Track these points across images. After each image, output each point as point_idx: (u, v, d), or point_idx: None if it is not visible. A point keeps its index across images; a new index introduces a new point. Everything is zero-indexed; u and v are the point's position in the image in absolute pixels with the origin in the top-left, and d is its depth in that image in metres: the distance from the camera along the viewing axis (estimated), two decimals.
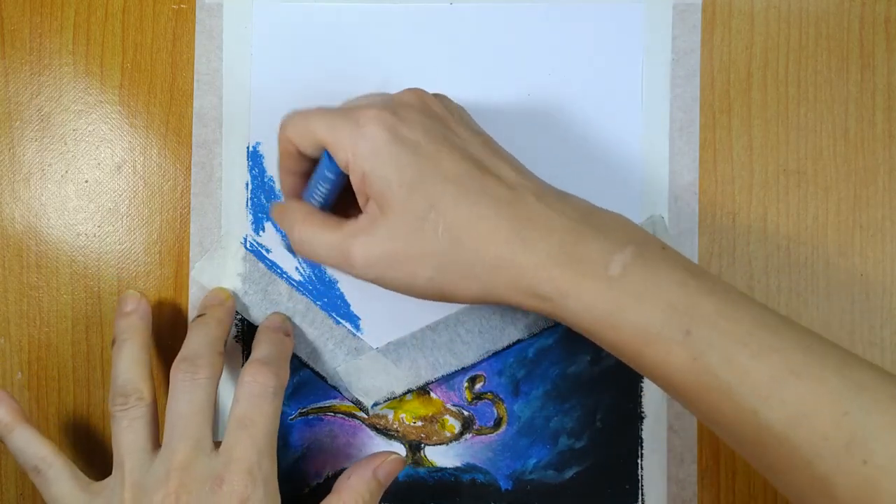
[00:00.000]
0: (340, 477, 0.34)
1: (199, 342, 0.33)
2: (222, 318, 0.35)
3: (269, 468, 0.31)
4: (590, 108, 0.37)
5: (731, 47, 0.37)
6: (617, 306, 0.27)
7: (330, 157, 0.30)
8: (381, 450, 0.36)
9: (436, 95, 0.32)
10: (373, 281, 0.29)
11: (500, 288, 0.28)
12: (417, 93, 0.31)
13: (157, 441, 0.32)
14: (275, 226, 0.37)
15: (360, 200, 0.30)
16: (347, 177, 0.30)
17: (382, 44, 0.37)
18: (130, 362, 0.33)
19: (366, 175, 0.28)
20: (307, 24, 0.37)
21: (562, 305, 0.28)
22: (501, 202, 0.28)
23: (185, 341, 0.33)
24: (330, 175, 0.30)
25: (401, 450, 0.37)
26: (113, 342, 0.34)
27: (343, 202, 0.32)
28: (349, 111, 0.29)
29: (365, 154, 0.28)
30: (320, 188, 0.31)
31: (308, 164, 0.32)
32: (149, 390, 0.33)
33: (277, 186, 0.37)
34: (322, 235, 0.30)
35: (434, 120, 0.30)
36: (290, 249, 0.37)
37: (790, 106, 0.37)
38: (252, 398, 0.31)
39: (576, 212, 0.29)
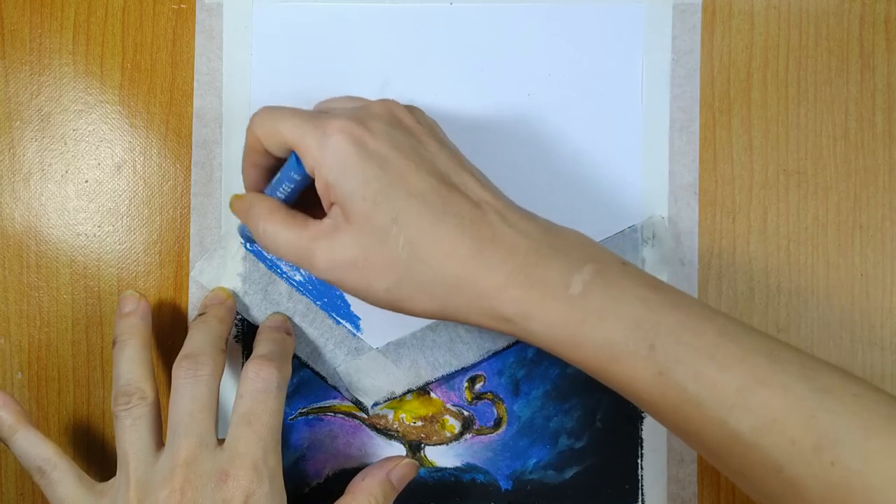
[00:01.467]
0: (354, 479, 0.34)
1: (201, 340, 0.33)
2: (223, 317, 0.35)
3: (275, 463, 0.31)
4: (590, 109, 0.37)
5: (731, 47, 0.37)
6: (579, 325, 0.27)
7: (298, 161, 0.30)
8: (383, 450, 0.37)
9: (408, 107, 0.32)
10: (332, 283, 0.30)
11: (460, 307, 0.28)
12: (388, 104, 0.31)
13: (160, 440, 0.32)
14: (241, 231, 0.37)
15: (325, 204, 0.30)
16: (310, 179, 0.30)
17: (382, 44, 0.37)
18: (132, 362, 0.33)
19: (330, 185, 0.29)
20: (307, 24, 0.37)
21: (524, 327, 0.28)
22: (465, 220, 0.28)
23: (187, 339, 0.33)
24: (296, 176, 0.31)
25: (401, 450, 0.37)
26: (114, 343, 0.34)
27: (305, 197, 0.32)
28: (318, 119, 0.29)
29: (330, 165, 0.28)
30: (285, 186, 0.31)
31: (273, 161, 0.32)
32: (151, 389, 0.33)
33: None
34: (286, 233, 0.30)
35: (403, 132, 0.30)
36: (246, 238, 0.37)
37: (790, 106, 0.37)
38: (256, 394, 0.32)
39: (536, 231, 0.29)
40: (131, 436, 0.31)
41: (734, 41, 0.37)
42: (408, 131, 0.30)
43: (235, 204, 0.33)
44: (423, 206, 0.28)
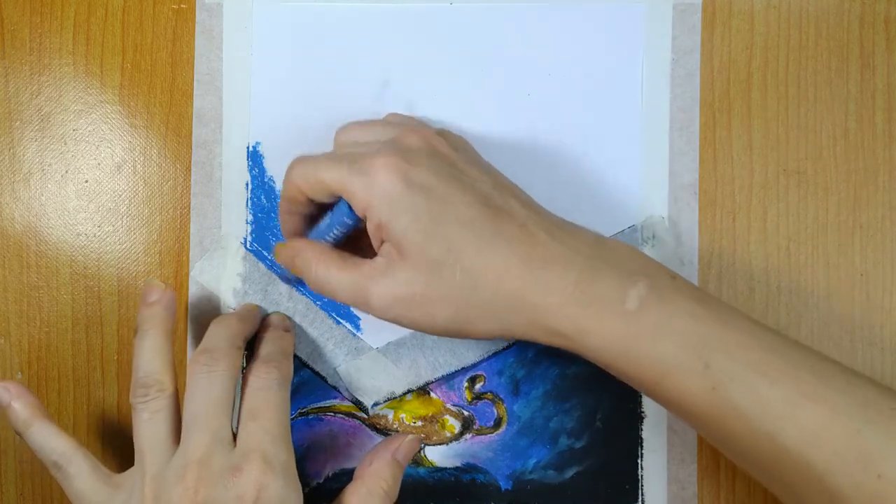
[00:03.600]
0: (361, 463, 0.34)
1: (219, 336, 0.33)
2: (244, 316, 0.35)
3: (287, 457, 0.31)
4: (590, 108, 0.37)
5: (731, 47, 0.37)
6: (635, 341, 0.28)
7: (349, 207, 0.30)
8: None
9: (439, 133, 0.32)
10: (391, 320, 0.30)
11: (519, 325, 0.29)
12: (422, 133, 0.31)
13: (177, 433, 0.32)
14: (275, 266, 0.37)
15: (375, 244, 0.30)
16: (360, 222, 0.31)
17: (382, 44, 0.37)
18: (152, 353, 0.33)
19: (382, 224, 0.29)
20: (307, 24, 0.37)
21: (581, 343, 0.29)
22: (514, 242, 0.29)
23: (206, 336, 0.33)
24: (349, 222, 0.31)
25: None
26: (135, 332, 0.33)
27: (349, 240, 0.33)
28: (360, 161, 0.30)
29: (380, 204, 0.29)
30: (335, 231, 0.32)
31: (313, 208, 0.32)
32: (170, 381, 0.32)
33: (278, 186, 0.37)
34: (340, 275, 0.30)
35: (442, 161, 0.30)
36: (287, 280, 0.37)
37: (790, 106, 0.37)
38: (258, 392, 0.32)
39: (587, 247, 0.29)
40: (149, 430, 0.31)
41: (734, 41, 0.37)
42: (447, 160, 0.31)
43: (282, 252, 0.33)
44: (472, 233, 0.29)
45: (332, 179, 0.30)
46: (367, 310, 0.30)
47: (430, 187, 0.29)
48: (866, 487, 0.26)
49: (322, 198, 0.31)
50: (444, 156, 0.31)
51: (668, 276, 0.29)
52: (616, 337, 0.28)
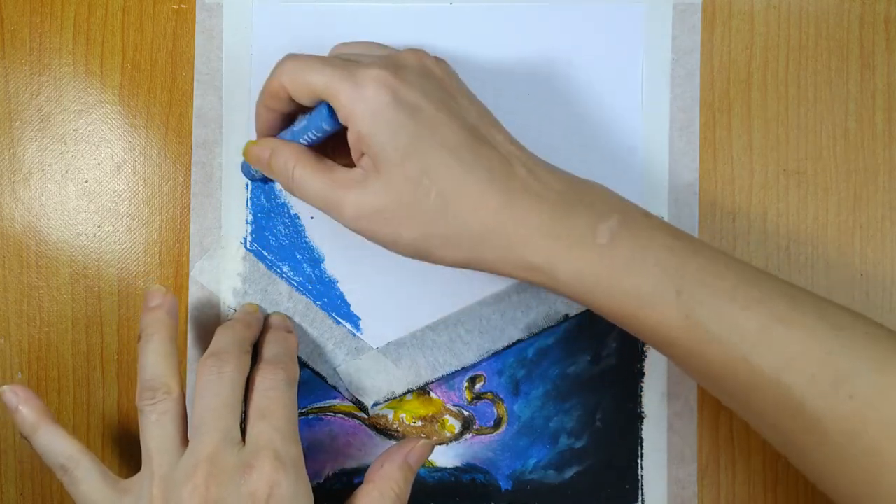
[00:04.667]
0: (372, 466, 0.34)
1: (226, 340, 0.33)
2: (250, 323, 0.35)
3: (297, 454, 0.31)
4: (590, 108, 0.37)
5: (731, 47, 0.37)
6: (608, 273, 0.28)
7: (331, 112, 0.30)
8: (382, 450, 0.37)
9: (436, 58, 0.32)
10: (358, 232, 0.30)
11: (488, 257, 0.29)
12: (419, 54, 0.31)
13: (184, 435, 0.32)
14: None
15: (354, 155, 0.30)
16: (338, 128, 0.30)
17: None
18: (158, 356, 0.33)
19: (362, 135, 0.29)
20: (307, 24, 0.37)
21: (552, 275, 0.29)
22: (494, 173, 0.29)
23: (213, 340, 0.33)
24: (326, 127, 0.31)
25: None
26: (139, 337, 0.34)
27: (324, 146, 0.32)
28: (350, 69, 0.29)
29: (363, 115, 0.29)
30: (311, 134, 0.31)
31: (292, 107, 0.32)
32: (176, 384, 0.32)
33: (278, 187, 0.37)
34: (317, 179, 0.30)
35: (435, 84, 0.30)
36: (249, 175, 0.36)
37: (790, 106, 0.37)
38: (266, 391, 0.32)
39: (562, 184, 0.30)
40: (156, 432, 0.31)
41: (734, 41, 0.37)
42: (439, 83, 0.30)
43: (253, 150, 0.33)
44: (454, 158, 0.29)
45: (320, 83, 0.29)
46: (338, 217, 0.30)
47: (418, 107, 0.29)
48: (839, 409, 0.26)
49: (305, 100, 0.30)
50: (437, 78, 0.31)
51: (641, 213, 0.30)
52: (588, 270, 0.28)
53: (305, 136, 0.31)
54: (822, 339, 0.27)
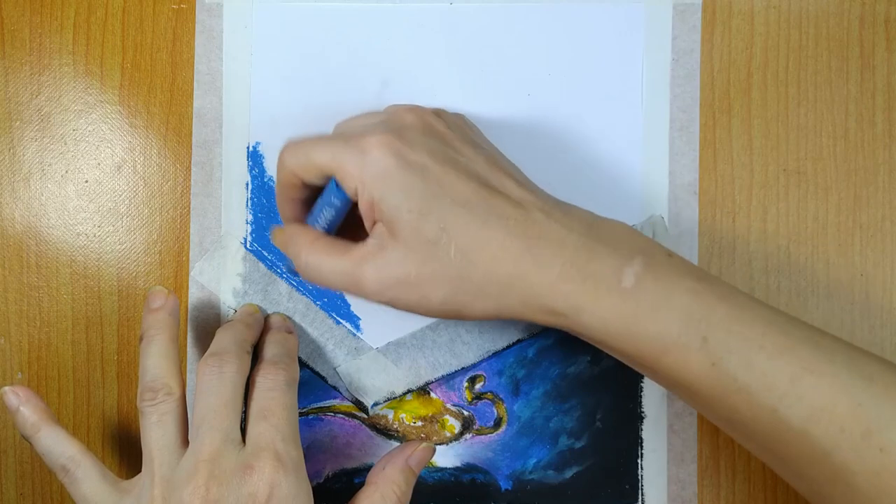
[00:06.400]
0: (374, 468, 0.34)
1: (227, 340, 0.33)
2: (251, 324, 0.35)
3: (297, 455, 0.31)
4: (590, 109, 0.37)
5: (731, 47, 0.37)
6: (633, 318, 0.28)
7: (338, 185, 0.30)
8: (382, 450, 0.37)
9: (435, 112, 0.32)
10: (386, 303, 0.30)
11: (515, 305, 0.29)
12: (417, 112, 0.31)
13: (185, 436, 0.32)
14: (275, 250, 0.37)
15: (367, 224, 0.30)
16: (352, 202, 0.30)
17: (382, 44, 0.37)
18: (159, 357, 0.33)
19: (375, 202, 0.29)
20: (307, 24, 0.37)
21: (577, 321, 0.28)
22: (510, 221, 0.28)
23: (214, 340, 0.33)
24: (337, 202, 0.30)
25: None
26: (140, 338, 0.34)
27: (345, 225, 0.32)
28: (352, 139, 0.29)
29: (373, 181, 0.28)
30: (325, 214, 0.31)
31: (309, 192, 0.32)
32: (178, 385, 0.32)
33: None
34: (330, 261, 0.30)
35: (437, 140, 0.30)
36: (293, 272, 0.37)
37: (790, 106, 0.37)
38: (266, 392, 0.32)
39: (582, 225, 0.29)
40: (157, 432, 0.31)
41: (734, 41, 0.37)
42: (442, 138, 0.30)
43: (277, 237, 0.33)
44: (469, 212, 0.28)
45: (324, 158, 0.29)
46: (362, 294, 0.30)
47: (425, 166, 0.29)
48: (869, 462, 0.25)
49: (315, 180, 0.30)
50: (439, 134, 0.30)
51: (665, 254, 0.29)
52: (613, 314, 0.28)
53: (322, 216, 0.31)
54: (851, 390, 0.26)
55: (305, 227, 0.32)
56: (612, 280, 0.28)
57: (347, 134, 0.30)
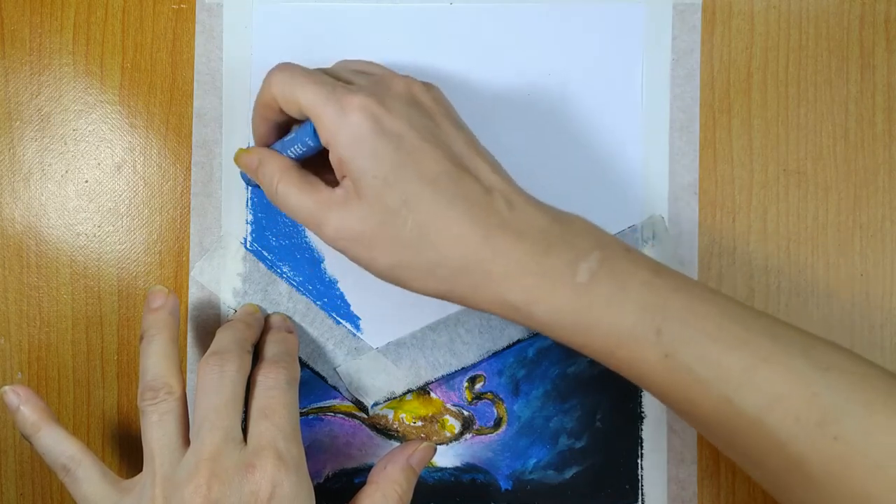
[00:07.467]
0: (375, 468, 0.34)
1: (228, 339, 0.33)
2: (251, 323, 0.35)
3: (298, 454, 0.31)
4: (590, 109, 0.37)
5: (731, 47, 0.37)
6: (587, 312, 0.28)
7: (314, 131, 0.30)
8: (382, 450, 0.37)
9: (426, 85, 0.32)
10: (338, 250, 0.30)
11: (465, 290, 0.29)
12: (408, 81, 0.31)
13: (186, 435, 0.32)
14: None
15: (337, 174, 0.30)
16: (325, 149, 0.30)
17: (382, 44, 0.37)
18: (160, 357, 0.33)
19: (343, 160, 0.29)
20: (307, 24, 0.37)
21: (529, 313, 0.28)
22: (475, 206, 0.28)
23: (214, 340, 0.33)
24: (311, 143, 0.31)
25: None
26: (141, 338, 0.34)
27: (315, 160, 0.32)
28: (337, 92, 0.29)
29: (346, 141, 0.29)
30: (297, 148, 0.31)
31: (285, 118, 0.32)
32: (178, 384, 0.32)
33: None
34: (299, 195, 0.31)
35: (420, 113, 0.30)
36: (247, 181, 0.37)
37: (790, 106, 0.37)
38: (267, 391, 0.32)
39: (544, 219, 0.29)
40: (157, 432, 0.31)
41: (734, 41, 0.37)
42: (425, 111, 0.30)
43: (243, 158, 0.33)
44: (434, 189, 0.28)
45: (307, 101, 0.29)
46: (319, 234, 0.30)
47: (401, 136, 0.29)
48: (825, 450, 0.25)
49: (294, 114, 0.31)
50: (423, 106, 0.30)
51: (623, 249, 0.29)
52: (566, 307, 0.28)
53: (293, 149, 0.32)
54: (807, 380, 0.26)
55: (277, 154, 0.32)
56: (567, 275, 0.28)
57: (335, 83, 0.30)
